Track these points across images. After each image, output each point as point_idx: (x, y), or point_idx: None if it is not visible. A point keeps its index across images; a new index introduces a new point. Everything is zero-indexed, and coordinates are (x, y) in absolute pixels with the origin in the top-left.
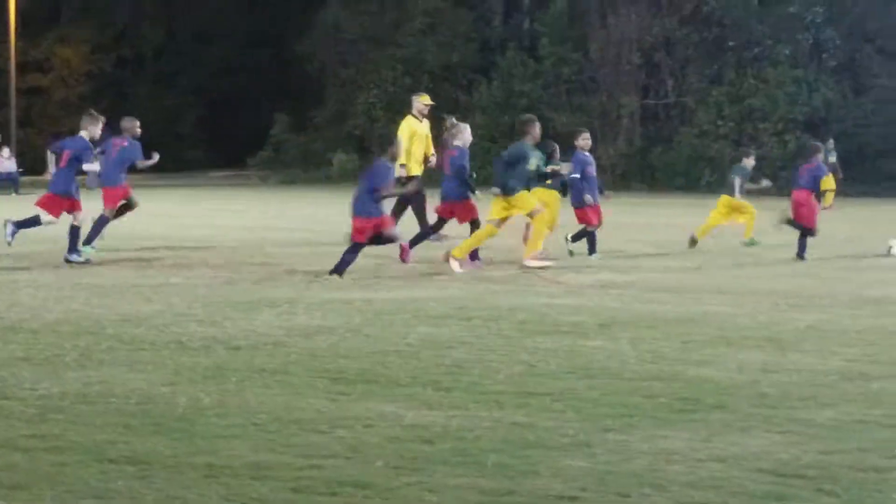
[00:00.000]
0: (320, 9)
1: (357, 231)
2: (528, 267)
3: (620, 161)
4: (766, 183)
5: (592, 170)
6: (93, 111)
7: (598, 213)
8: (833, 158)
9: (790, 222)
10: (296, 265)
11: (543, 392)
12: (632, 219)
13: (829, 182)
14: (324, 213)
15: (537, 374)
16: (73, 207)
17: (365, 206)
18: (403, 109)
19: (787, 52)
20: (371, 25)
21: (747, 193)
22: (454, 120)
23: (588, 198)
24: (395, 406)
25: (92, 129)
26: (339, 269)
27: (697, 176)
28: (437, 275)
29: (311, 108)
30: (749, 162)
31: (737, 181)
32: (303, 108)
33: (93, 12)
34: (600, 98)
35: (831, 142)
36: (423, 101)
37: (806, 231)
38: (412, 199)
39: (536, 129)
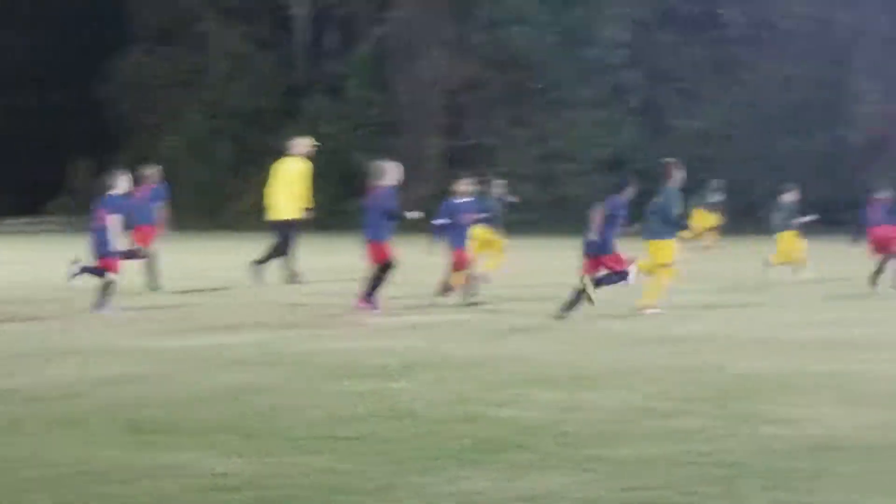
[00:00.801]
0: (122, 53)
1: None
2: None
3: (428, 202)
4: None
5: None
6: None
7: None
8: (717, 198)
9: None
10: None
11: (349, 436)
12: (433, 259)
13: (706, 219)
14: None
15: (343, 419)
16: None
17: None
18: (208, 153)
19: (589, 93)
20: (174, 70)
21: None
22: (380, 162)
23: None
24: (200, 454)
25: None
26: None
27: (503, 217)
28: (243, 320)
29: (113, 152)
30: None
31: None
32: (105, 153)
33: None
34: (406, 140)
35: (715, 182)
36: (307, 142)
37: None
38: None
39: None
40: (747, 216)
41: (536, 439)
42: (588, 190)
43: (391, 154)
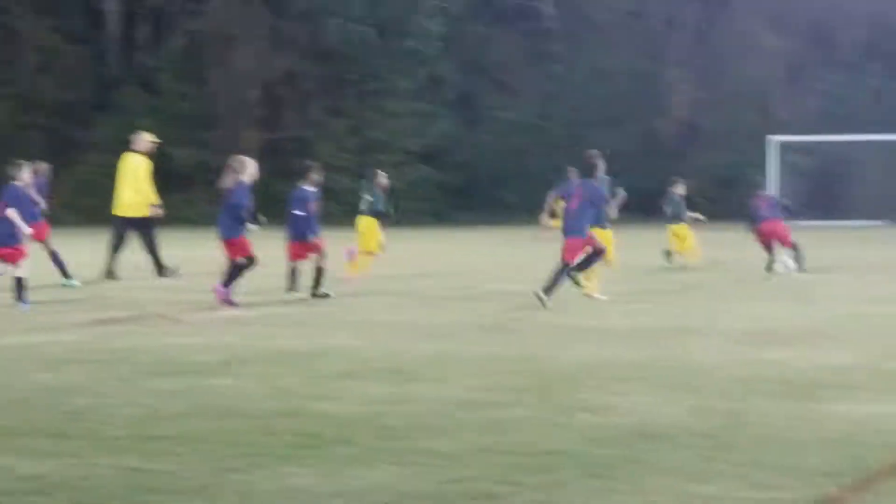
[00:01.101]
0: None
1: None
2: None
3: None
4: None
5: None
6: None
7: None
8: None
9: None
10: None
11: (165, 435)
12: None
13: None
14: None
15: (159, 417)
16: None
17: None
18: (18, 147)
19: (406, 85)
20: None
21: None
22: (240, 156)
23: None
24: (9, 457)
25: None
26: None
27: (322, 209)
28: (58, 319)
29: None
30: None
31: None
32: None
33: None
34: (222, 133)
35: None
36: (148, 138)
37: None
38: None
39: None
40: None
41: (358, 433)
42: (404, 181)
43: (207, 147)
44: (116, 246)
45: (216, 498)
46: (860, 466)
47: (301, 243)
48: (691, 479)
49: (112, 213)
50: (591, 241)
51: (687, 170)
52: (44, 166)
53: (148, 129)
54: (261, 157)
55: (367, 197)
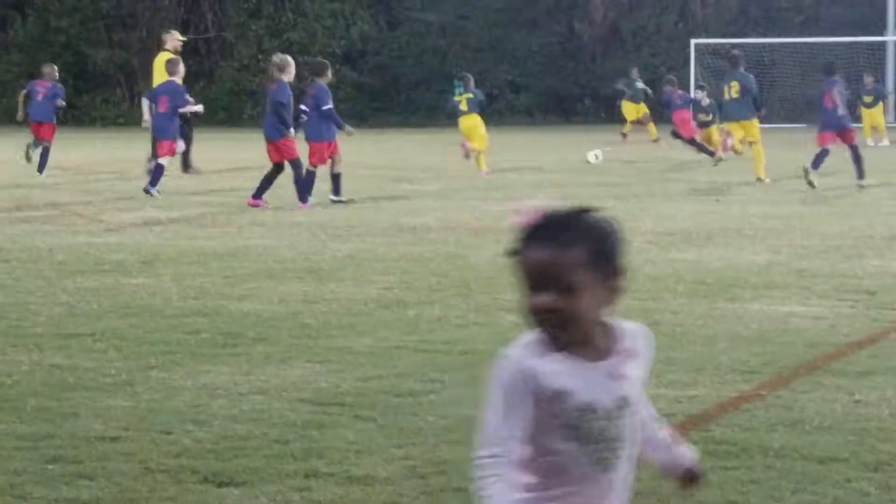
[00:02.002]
0: None
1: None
2: None
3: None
4: None
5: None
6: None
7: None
8: (639, 85)
9: None
10: None
11: (84, 333)
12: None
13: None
14: None
15: (78, 315)
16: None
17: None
18: None
19: None
20: None
21: None
22: (280, 54)
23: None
24: None
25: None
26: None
27: (239, 110)
28: None
29: None
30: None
31: None
32: None
33: None
34: (140, 33)
35: (635, 71)
36: (178, 37)
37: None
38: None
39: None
40: (487, 108)
41: (275, 332)
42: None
43: (125, 48)
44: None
45: (138, 395)
46: (774, 364)
47: (327, 144)
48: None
49: None
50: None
51: (607, 73)
52: (51, 69)
53: (65, 30)
54: (183, 58)
55: (469, 95)
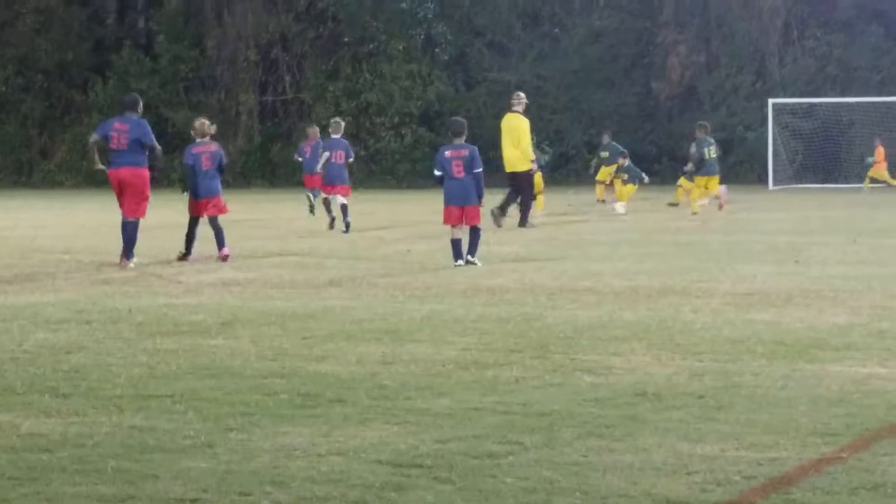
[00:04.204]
0: None
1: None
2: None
3: (240, 158)
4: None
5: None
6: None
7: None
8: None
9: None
10: None
11: (164, 394)
12: (253, 215)
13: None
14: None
15: (157, 376)
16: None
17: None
18: (15, 109)
19: (400, 47)
20: None
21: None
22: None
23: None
24: (11, 415)
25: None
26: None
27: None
28: (53, 279)
29: None
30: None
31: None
32: None
33: None
34: (218, 95)
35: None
36: (523, 99)
37: None
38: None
39: None
40: (560, 168)
41: (353, 393)
42: (401, 143)
43: (204, 109)
44: (514, 199)
45: (217, 456)
46: (855, 427)
47: (473, 207)
48: (687, 439)
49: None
50: None
51: (684, 132)
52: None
53: (144, 92)
54: (257, 120)
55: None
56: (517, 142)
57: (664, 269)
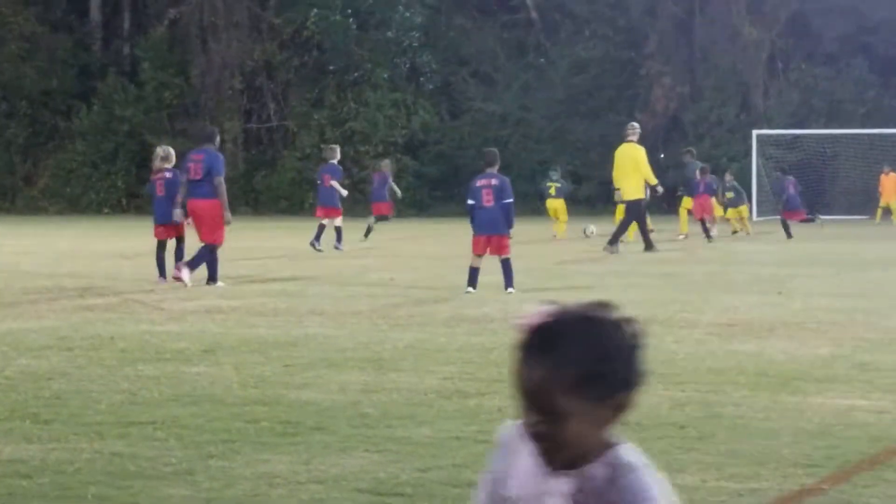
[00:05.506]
0: None
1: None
2: None
3: (228, 185)
4: None
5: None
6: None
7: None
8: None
9: None
10: None
11: (145, 421)
12: (236, 243)
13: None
14: None
15: (139, 403)
16: None
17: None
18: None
19: (385, 75)
20: None
21: None
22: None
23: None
24: None
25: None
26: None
27: (301, 198)
28: (35, 305)
29: None
30: None
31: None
32: None
33: None
34: (203, 122)
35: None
36: (635, 128)
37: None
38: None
39: None
40: (544, 198)
41: (334, 421)
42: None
43: (188, 137)
44: (629, 225)
45: (197, 483)
46: (836, 458)
47: (500, 237)
48: (668, 469)
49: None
50: None
51: (668, 163)
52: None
53: (128, 120)
54: (241, 148)
55: (558, 184)
56: (632, 171)
57: (648, 299)
